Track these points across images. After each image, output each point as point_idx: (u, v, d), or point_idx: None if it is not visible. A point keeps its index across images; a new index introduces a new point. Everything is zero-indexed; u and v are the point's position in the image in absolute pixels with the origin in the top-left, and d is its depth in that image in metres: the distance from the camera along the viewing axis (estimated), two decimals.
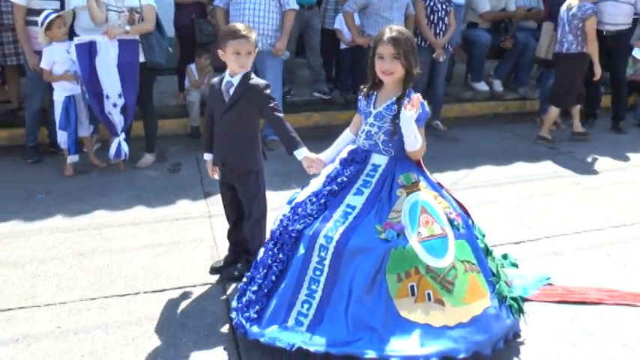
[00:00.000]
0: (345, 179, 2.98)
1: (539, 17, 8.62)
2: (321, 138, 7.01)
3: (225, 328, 3.16)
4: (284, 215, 3.06)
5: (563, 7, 7.05)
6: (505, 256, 3.81)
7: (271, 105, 3.35)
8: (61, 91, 5.50)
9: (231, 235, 3.81)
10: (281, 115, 3.36)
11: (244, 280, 3.13)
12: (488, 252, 3.10)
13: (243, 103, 3.36)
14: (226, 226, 3.84)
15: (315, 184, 3.12)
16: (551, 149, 6.97)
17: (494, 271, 3.03)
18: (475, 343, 2.70)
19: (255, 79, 3.40)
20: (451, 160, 6.32)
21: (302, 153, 3.26)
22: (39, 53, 5.53)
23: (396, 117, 2.93)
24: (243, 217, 3.67)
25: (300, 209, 2.98)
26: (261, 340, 2.78)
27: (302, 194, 3.12)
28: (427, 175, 3.08)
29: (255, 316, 2.85)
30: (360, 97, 3.18)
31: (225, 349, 2.99)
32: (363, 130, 3.09)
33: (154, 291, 3.56)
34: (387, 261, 2.71)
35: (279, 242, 2.96)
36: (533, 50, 8.28)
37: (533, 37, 8.41)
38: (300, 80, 8.25)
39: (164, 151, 6.34)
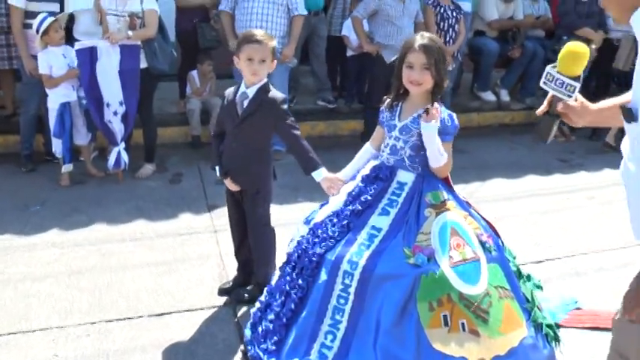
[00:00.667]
0: (369, 198, 2.76)
1: (547, 26, 8.46)
2: (326, 148, 6.82)
3: (238, 357, 2.92)
4: (302, 237, 2.84)
5: None
6: (529, 277, 3.59)
7: (288, 121, 3.14)
8: (55, 98, 5.25)
9: (239, 255, 3.58)
10: (298, 132, 3.15)
11: (258, 305, 2.90)
12: (520, 275, 2.89)
13: (257, 117, 3.15)
14: None
15: (335, 203, 2.89)
16: (562, 162, 6.78)
17: (528, 297, 2.81)
18: None
19: (273, 92, 3.19)
20: (460, 173, 6.03)
21: (321, 174, 3.06)
22: (35, 57, 5.29)
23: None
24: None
25: (320, 231, 2.76)
26: None
27: (321, 213, 2.90)
28: (455, 192, 2.86)
29: (274, 347, 2.62)
30: (382, 108, 2.97)
31: None
32: (387, 144, 2.87)
33: (159, 314, 3.32)
34: (417, 288, 2.49)
35: (297, 266, 2.74)
36: (541, 59, 8.11)
37: (541, 46, 8.25)
38: (304, 88, 8.04)
39: (164, 161, 6.10)
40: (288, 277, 2.74)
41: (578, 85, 2.06)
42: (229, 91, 3.28)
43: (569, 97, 2.08)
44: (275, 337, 2.63)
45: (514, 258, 2.94)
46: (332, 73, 7.85)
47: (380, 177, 2.81)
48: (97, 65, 5.14)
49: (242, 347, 2.93)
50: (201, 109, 6.63)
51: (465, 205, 2.84)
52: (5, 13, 5.68)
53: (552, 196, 5.62)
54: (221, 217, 4.44)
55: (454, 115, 2.78)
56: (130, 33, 5.19)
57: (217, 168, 3.35)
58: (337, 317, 2.54)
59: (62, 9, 5.42)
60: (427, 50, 2.67)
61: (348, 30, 7.13)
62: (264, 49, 3.07)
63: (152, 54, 5.33)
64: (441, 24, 6.84)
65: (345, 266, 2.57)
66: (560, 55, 2.09)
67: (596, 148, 7.21)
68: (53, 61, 5.19)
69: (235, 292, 3.47)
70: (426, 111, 2.69)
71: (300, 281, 2.67)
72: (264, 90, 3.15)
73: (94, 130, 5.55)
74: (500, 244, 2.86)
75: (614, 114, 1.95)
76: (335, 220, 2.75)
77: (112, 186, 5.37)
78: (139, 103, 5.37)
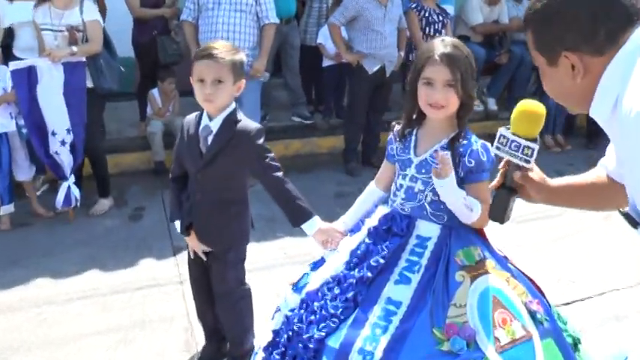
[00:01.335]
0: (381, 261, 2.07)
1: None
2: (303, 169, 6.19)
3: None
4: (292, 311, 2.15)
5: None
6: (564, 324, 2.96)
7: (267, 161, 2.45)
8: None
9: (205, 320, 2.88)
10: (280, 174, 2.47)
11: None
12: (576, 347, 2.24)
13: (227, 158, 2.46)
14: None
15: (334, 264, 2.20)
16: (560, 175, 6.19)
17: None
18: None
19: (244, 123, 2.50)
20: None
21: (314, 225, 2.40)
22: None
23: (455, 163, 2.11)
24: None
25: (316, 304, 2.07)
26: None
27: (315, 278, 2.21)
28: (491, 245, 2.20)
29: None
30: (390, 137, 2.32)
31: None
32: (401, 186, 2.22)
33: None
34: None
35: (288, 354, 2.05)
36: (529, 65, 7.56)
37: (529, 51, 7.69)
38: (276, 103, 7.33)
39: (124, 193, 5.37)
40: None
41: (536, 148, 1.69)
42: (189, 120, 2.58)
43: (527, 162, 1.70)
44: None
45: (565, 324, 2.29)
46: (307, 85, 7.18)
47: (393, 231, 2.14)
48: (38, 88, 4.41)
49: None
50: (163, 132, 5.91)
51: (504, 262, 2.18)
52: None
53: (562, 218, 5.01)
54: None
55: (488, 145, 2.12)
56: (75, 48, 4.47)
57: (178, 223, 2.65)
58: None
59: None
60: (452, 61, 2.03)
61: (324, 38, 6.47)
62: (220, 67, 2.38)
63: (98, 71, 4.59)
64: (427, 29, 6.24)
65: (356, 358, 1.89)
66: (513, 116, 1.71)
67: (595, 157, 6.63)
68: None
69: None
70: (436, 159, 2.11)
71: None
72: (231, 121, 2.46)
73: (39, 162, 4.80)
74: (549, 307, 2.21)
75: (574, 196, 1.86)
76: (336, 291, 2.07)
77: (61, 227, 4.62)
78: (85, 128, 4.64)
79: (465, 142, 2.09)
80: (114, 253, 4.17)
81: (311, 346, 1.97)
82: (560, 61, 1.46)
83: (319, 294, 2.11)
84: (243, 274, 2.72)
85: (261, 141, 2.46)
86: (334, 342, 1.94)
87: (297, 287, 2.26)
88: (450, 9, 6.92)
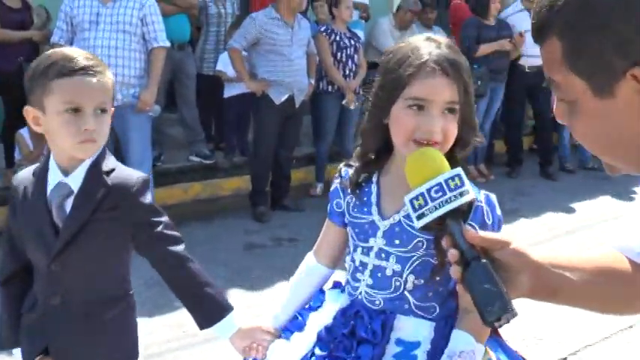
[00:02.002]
0: None
1: None
2: (204, 216, 5.29)
3: None
4: None
5: None
6: None
7: (159, 230, 1.61)
8: None
9: None
10: (179, 250, 1.62)
11: None
12: None
13: (98, 231, 1.59)
14: None
15: None
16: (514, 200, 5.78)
17: None
18: None
19: (119, 173, 1.64)
20: None
21: (231, 326, 1.58)
22: None
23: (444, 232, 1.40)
24: None
25: None
26: None
27: None
28: (505, 344, 1.49)
29: None
30: (336, 187, 1.59)
31: None
32: (364, 265, 1.49)
33: None
34: None
35: None
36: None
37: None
38: (172, 141, 6.46)
39: None
40: None
41: (459, 171, 1.12)
42: (24, 179, 1.68)
43: (464, 193, 1.09)
44: None
45: None
46: (206, 120, 6.41)
47: (359, 335, 1.38)
48: None
49: None
50: None
51: None
52: None
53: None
54: None
55: (493, 198, 1.45)
56: None
57: (18, 352, 1.74)
58: None
59: None
60: (456, 71, 1.35)
61: (224, 65, 5.72)
62: (104, 90, 1.55)
63: None
64: (338, 54, 5.64)
65: None
66: (407, 173, 1.21)
67: (521, 187, 6.27)
68: None
69: None
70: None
71: None
72: (100, 171, 1.60)
73: None
74: None
75: (583, 289, 1.09)
76: None
77: None
78: None
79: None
80: None
81: None
82: (621, 87, 0.82)
83: None
84: None
85: (148, 198, 1.63)
86: None
87: None
88: (361, 34, 6.39)
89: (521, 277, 1.02)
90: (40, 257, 1.61)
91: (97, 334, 1.63)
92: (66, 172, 1.58)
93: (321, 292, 1.62)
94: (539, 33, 0.89)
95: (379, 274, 1.44)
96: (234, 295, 3.78)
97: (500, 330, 1.40)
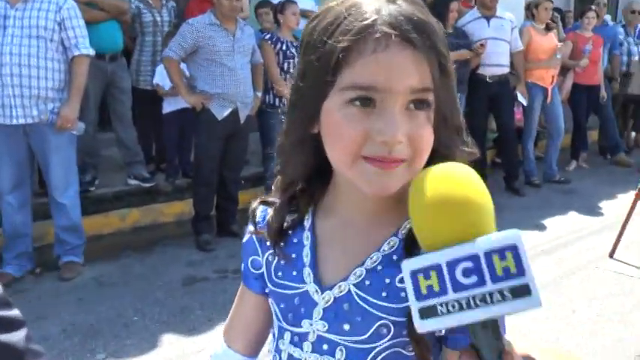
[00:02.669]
0: None
1: None
2: (143, 246, 4.71)
3: None
4: None
5: None
6: None
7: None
8: None
9: None
10: (15, 338, 1.03)
11: None
12: None
13: None
14: None
15: None
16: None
17: None
18: None
19: None
20: None
21: None
22: None
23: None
24: None
25: None
26: None
27: None
28: None
29: None
30: (250, 238, 1.07)
31: None
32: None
33: None
34: None
35: None
36: None
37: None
38: (107, 163, 5.87)
39: None
40: None
41: (521, 248, 0.65)
42: None
43: (519, 297, 0.62)
44: None
45: None
46: (145, 139, 5.82)
47: None
48: None
49: None
50: None
51: None
52: None
53: None
54: None
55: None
56: None
57: None
58: None
59: None
60: (424, 36, 0.82)
61: (161, 77, 5.17)
62: None
63: None
64: (285, 64, 5.19)
65: None
66: (411, 204, 0.73)
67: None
68: None
69: None
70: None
71: None
72: None
73: None
74: None
75: None
76: None
77: None
78: None
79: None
80: None
81: None
82: None
83: None
84: None
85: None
86: None
87: None
88: None
89: None
90: None
91: None
92: None
93: None
94: None
95: None
96: (170, 341, 3.23)
97: None
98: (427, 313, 0.63)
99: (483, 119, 6.44)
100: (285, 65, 5.16)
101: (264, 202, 1.03)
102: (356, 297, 0.90)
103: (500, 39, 6.22)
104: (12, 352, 0.93)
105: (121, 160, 5.72)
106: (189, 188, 5.23)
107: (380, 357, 0.89)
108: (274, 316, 1.00)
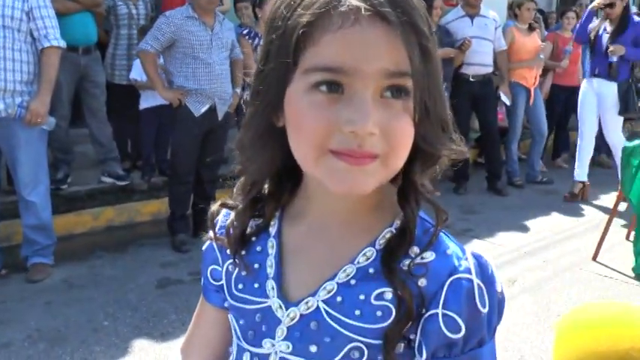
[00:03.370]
0: None
1: None
2: (117, 246, 4.54)
3: None
4: None
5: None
6: None
7: None
8: None
9: None
10: None
11: None
12: None
13: None
14: None
15: None
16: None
17: None
18: None
19: None
20: None
21: None
22: None
23: (406, 320, 0.77)
24: None
25: None
26: None
27: None
28: None
29: None
30: (210, 244, 0.95)
31: None
32: None
33: None
34: None
35: None
36: None
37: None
38: (81, 160, 5.68)
39: None
40: None
41: None
42: None
43: None
44: None
45: None
46: (120, 135, 5.66)
47: None
48: None
49: None
50: None
51: None
52: None
53: None
54: None
55: (485, 259, 0.80)
56: None
57: None
58: None
59: None
60: (400, 11, 0.70)
61: (138, 72, 4.99)
62: None
63: None
64: None
65: None
66: None
67: (471, 203, 5.80)
68: None
69: None
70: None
71: None
72: None
73: None
74: None
75: None
76: None
77: None
78: None
79: (426, 256, 0.79)
80: None
81: None
82: None
83: None
84: None
85: None
86: None
87: None
88: None
89: None
90: None
91: None
92: None
93: None
94: None
95: None
96: (141, 347, 3.08)
97: None
98: None
99: (466, 119, 6.36)
100: None
101: (224, 205, 0.91)
102: (325, 315, 0.79)
103: (483, 38, 6.15)
104: None
105: (94, 157, 5.55)
106: (166, 186, 5.07)
107: None
108: (233, 334, 0.88)
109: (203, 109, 4.36)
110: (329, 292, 0.79)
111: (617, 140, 5.81)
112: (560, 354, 0.66)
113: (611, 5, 5.58)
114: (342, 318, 0.78)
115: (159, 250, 4.44)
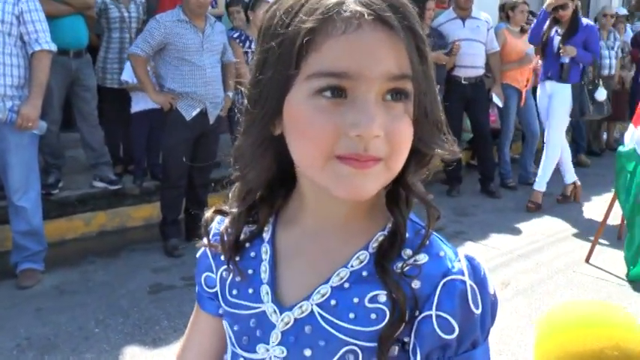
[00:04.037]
0: None
1: None
2: (110, 251, 4.51)
3: None
4: None
5: None
6: None
7: None
8: None
9: None
10: None
11: None
12: None
13: None
14: None
15: None
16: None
17: None
18: None
19: None
20: None
21: None
22: None
23: (400, 322, 0.77)
24: None
25: None
26: None
27: None
28: None
29: None
30: (204, 251, 0.96)
31: None
32: None
33: None
34: None
35: None
36: None
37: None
38: (72, 165, 5.64)
39: None
40: None
41: None
42: None
43: None
44: None
45: None
46: (112, 139, 5.62)
47: None
48: None
49: None
50: None
51: None
52: None
53: None
54: None
55: (478, 261, 0.80)
56: None
57: None
58: None
59: None
60: (400, 17, 0.72)
61: (129, 75, 4.96)
62: None
63: None
64: None
65: None
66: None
67: (463, 205, 5.79)
68: None
69: None
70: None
71: None
72: None
73: None
74: None
75: None
76: None
77: None
78: None
79: (419, 258, 0.79)
80: None
81: None
82: None
83: None
84: None
85: None
86: None
87: None
88: None
89: None
90: None
91: None
92: None
93: None
94: None
95: None
96: (133, 354, 3.06)
97: None
98: None
99: (458, 121, 6.36)
100: None
101: (219, 212, 0.91)
102: (319, 319, 0.80)
103: (475, 40, 6.16)
104: None
105: (86, 162, 5.50)
106: (158, 191, 5.04)
107: None
108: (228, 340, 0.89)
109: (194, 113, 4.34)
110: (323, 295, 0.80)
111: (555, 140, 5.78)
112: (540, 353, 0.66)
113: (563, 7, 5.58)
114: (337, 321, 0.78)
115: (151, 255, 4.41)
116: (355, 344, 0.77)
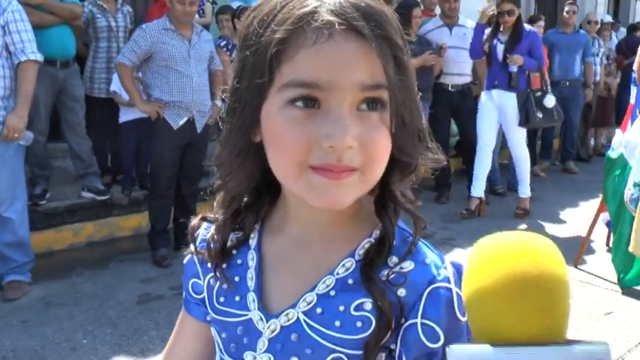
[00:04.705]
0: None
1: None
2: (99, 261, 4.49)
3: None
4: None
5: None
6: None
7: None
8: None
9: None
10: None
11: None
12: None
13: None
14: None
15: None
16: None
17: None
18: None
19: None
20: None
21: None
22: None
23: (386, 330, 0.77)
24: None
25: None
26: None
27: None
28: None
29: None
30: (190, 258, 0.95)
31: None
32: None
33: None
34: None
35: None
36: None
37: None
38: (60, 175, 5.62)
39: None
40: None
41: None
42: None
43: None
44: None
45: None
46: (100, 149, 5.59)
47: None
48: None
49: None
50: None
51: None
52: None
53: None
54: None
55: (463, 269, 0.75)
56: None
57: None
58: None
59: None
60: (374, 24, 0.71)
61: (118, 85, 4.95)
62: None
63: None
64: None
65: None
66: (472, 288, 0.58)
67: (452, 212, 5.81)
68: None
69: None
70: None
71: None
72: None
73: None
74: None
75: None
76: None
77: None
78: None
79: (405, 265, 0.79)
80: None
81: None
82: None
83: None
84: None
85: None
86: None
87: None
88: None
89: None
90: None
91: None
92: None
93: None
94: None
95: None
96: None
97: None
98: None
99: (446, 128, 6.39)
100: None
101: (205, 219, 0.92)
102: (305, 326, 0.79)
103: (462, 48, 6.17)
104: None
105: (74, 172, 5.47)
106: (147, 200, 5.03)
107: None
108: (217, 347, 0.88)
109: (181, 122, 4.34)
110: (309, 303, 0.79)
111: (521, 154, 5.82)
112: (469, 287, 0.66)
113: (509, 12, 5.57)
114: (322, 329, 0.78)
115: (140, 265, 4.39)
116: (341, 352, 0.77)
